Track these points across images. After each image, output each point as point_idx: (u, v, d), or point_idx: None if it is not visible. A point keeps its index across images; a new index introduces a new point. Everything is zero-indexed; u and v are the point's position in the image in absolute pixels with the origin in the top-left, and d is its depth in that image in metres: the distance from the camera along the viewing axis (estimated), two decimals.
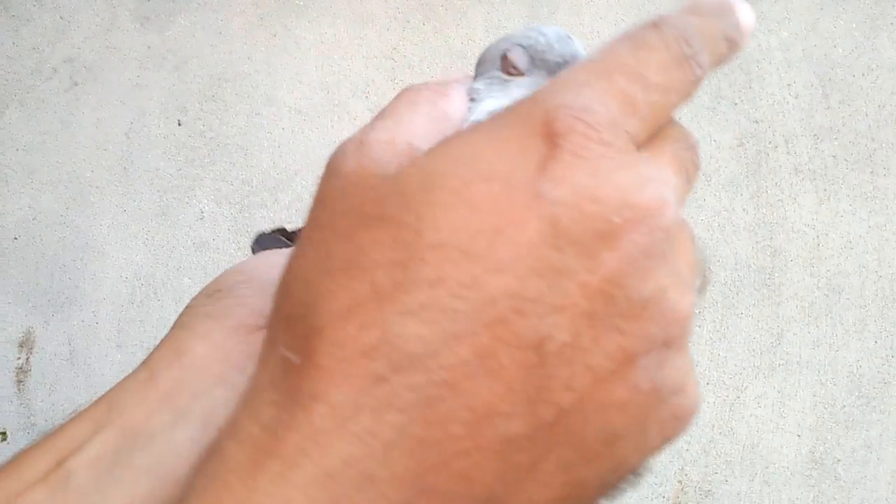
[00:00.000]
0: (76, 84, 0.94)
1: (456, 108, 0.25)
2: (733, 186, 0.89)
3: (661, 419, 0.19)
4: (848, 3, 0.89)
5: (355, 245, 0.19)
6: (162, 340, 0.27)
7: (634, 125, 0.20)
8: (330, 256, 0.20)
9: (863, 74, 0.89)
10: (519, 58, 0.29)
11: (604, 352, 0.18)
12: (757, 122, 0.89)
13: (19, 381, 0.93)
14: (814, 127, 0.89)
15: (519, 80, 0.30)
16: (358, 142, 0.21)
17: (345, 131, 0.92)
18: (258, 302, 0.28)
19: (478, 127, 0.20)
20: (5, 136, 0.93)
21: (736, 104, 0.90)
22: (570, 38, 0.31)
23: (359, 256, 0.19)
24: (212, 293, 0.29)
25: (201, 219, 0.92)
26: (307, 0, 0.93)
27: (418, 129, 0.22)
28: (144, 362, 0.27)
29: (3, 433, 0.93)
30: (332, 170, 0.21)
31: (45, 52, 0.94)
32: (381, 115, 0.23)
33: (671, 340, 0.19)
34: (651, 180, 0.20)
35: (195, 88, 0.93)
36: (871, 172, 0.88)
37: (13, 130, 0.94)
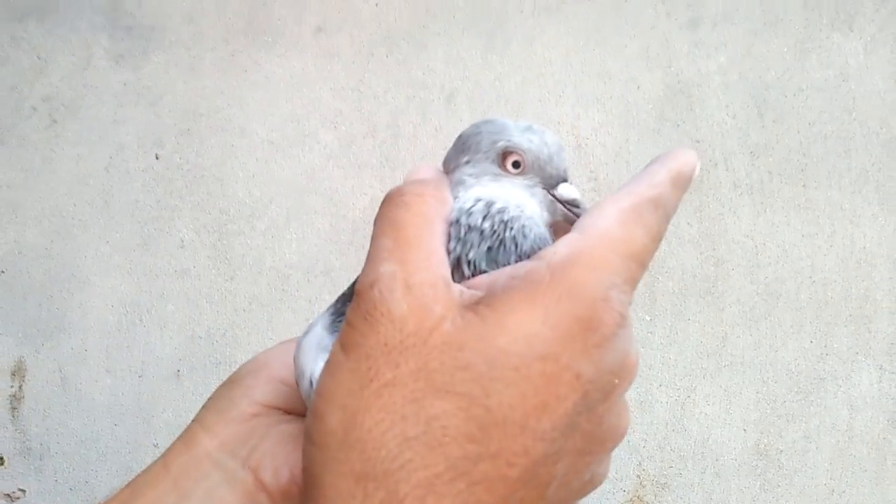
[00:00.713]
0: (55, 122, 0.98)
1: (451, 206, 0.30)
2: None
3: (591, 488, 0.26)
4: (779, 28, 0.96)
5: (429, 415, 0.22)
6: (180, 434, 0.33)
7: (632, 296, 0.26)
8: (405, 421, 0.23)
9: (794, 95, 0.96)
10: (524, 161, 0.33)
11: (581, 474, 0.25)
12: (698, 141, 0.96)
13: (13, 409, 0.97)
14: (750, 145, 0.96)
15: (513, 178, 0.33)
16: (404, 284, 0.24)
17: (315, 160, 0.97)
18: (260, 392, 0.34)
19: (528, 299, 0.24)
20: None
21: (679, 125, 0.96)
22: (562, 148, 0.35)
23: (434, 428, 0.22)
24: (228, 384, 0.35)
25: (182, 247, 0.97)
26: (275, 36, 0.98)
27: (442, 254, 0.26)
28: (164, 454, 0.33)
29: (1, 458, 0.97)
30: (382, 308, 0.24)
31: (24, 92, 0.98)
32: (407, 243, 0.26)
33: (614, 447, 0.27)
34: (634, 340, 0.26)
35: (171, 123, 0.98)
36: (804, 186, 0.96)
37: None
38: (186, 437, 0.35)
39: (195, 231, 0.97)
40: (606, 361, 0.24)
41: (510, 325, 0.24)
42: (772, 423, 0.95)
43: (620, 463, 0.94)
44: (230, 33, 0.98)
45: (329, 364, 0.25)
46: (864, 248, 0.95)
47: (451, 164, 0.34)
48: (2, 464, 0.97)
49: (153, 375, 0.96)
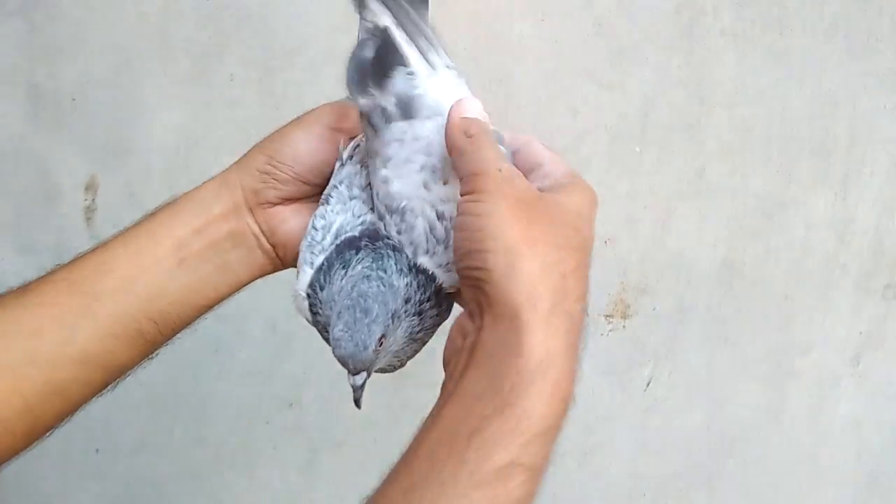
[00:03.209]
0: None
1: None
2: (671, 47, 1.09)
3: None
4: None
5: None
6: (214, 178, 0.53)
7: None
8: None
9: None
10: None
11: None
12: None
13: (88, 219, 1.13)
14: None
15: None
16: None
17: (343, 2, 1.09)
18: (284, 190, 0.51)
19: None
20: (56, 11, 1.09)
21: None
22: None
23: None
24: (253, 163, 0.53)
25: (231, 80, 1.10)
26: None
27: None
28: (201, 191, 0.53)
29: None
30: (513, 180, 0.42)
31: None
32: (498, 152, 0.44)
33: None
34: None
35: None
36: (780, 34, 1.08)
37: (62, 6, 1.09)
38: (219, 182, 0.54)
39: (243, 66, 1.10)
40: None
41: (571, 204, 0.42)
42: (738, 240, 1.11)
43: (607, 270, 1.11)
44: None
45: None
46: (830, 90, 1.09)
47: None
48: None
49: None
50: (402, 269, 0.45)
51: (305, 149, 0.51)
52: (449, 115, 0.44)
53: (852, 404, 1.15)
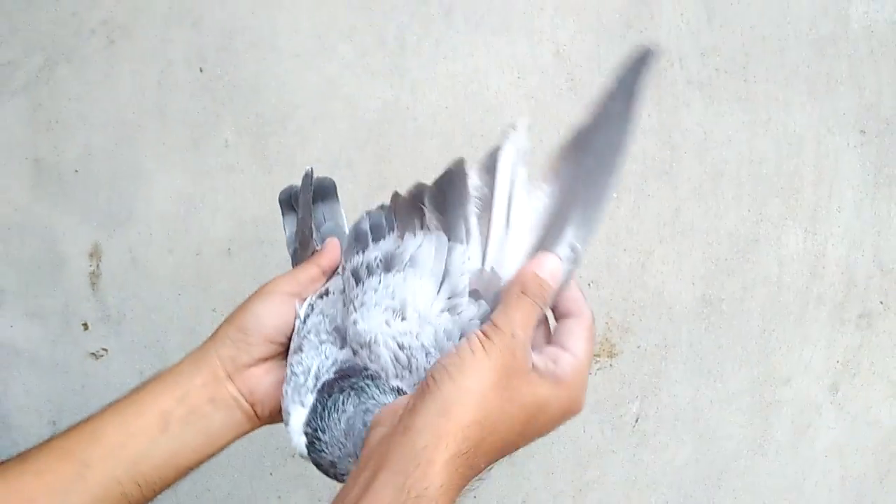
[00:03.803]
0: (112, 42, 1.15)
1: None
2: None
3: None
4: None
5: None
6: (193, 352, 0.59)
7: None
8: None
9: (738, 1, 1.14)
10: None
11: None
12: (658, 44, 1.14)
13: (93, 283, 1.18)
14: (701, 46, 1.14)
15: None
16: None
17: (334, 69, 1.15)
18: (257, 351, 0.58)
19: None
20: (58, 89, 1.15)
21: (641, 32, 1.14)
22: None
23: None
24: (226, 335, 0.59)
25: (226, 147, 1.16)
26: None
27: None
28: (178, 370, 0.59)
29: (85, 324, 1.19)
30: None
31: (84, 16, 1.15)
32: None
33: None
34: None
35: (211, 41, 1.15)
36: (745, 80, 1.14)
37: (64, 84, 1.15)
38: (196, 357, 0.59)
39: (237, 133, 1.16)
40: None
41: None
42: (715, 278, 1.16)
43: (594, 312, 1.16)
44: None
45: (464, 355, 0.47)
46: (795, 131, 1.15)
47: None
48: (86, 328, 1.18)
49: (209, 253, 1.16)
50: (384, 390, 0.52)
51: (268, 314, 0.59)
52: (528, 263, 0.50)
53: (834, 432, 1.19)
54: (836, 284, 1.17)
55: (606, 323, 1.16)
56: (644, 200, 1.15)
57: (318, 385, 0.54)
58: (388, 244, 0.56)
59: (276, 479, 1.21)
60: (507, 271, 0.51)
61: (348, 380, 0.53)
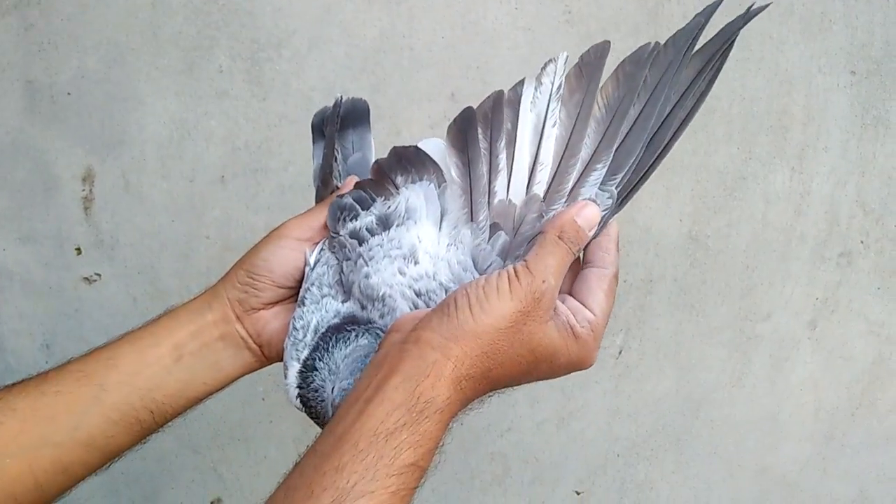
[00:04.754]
0: None
1: None
2: (637, 32, 1.15)
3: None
4: None
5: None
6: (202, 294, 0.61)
7: None
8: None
9: None
10: None
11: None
12: None
13: (86, 208, 1.18)
14: None
15: None
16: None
17: None
18: (267, 296, 0.59)
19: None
20: (50, 9, 1.13)
21: None
22: None
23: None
24: (235, 278, 0.60)
25: (220, 72, 1.15)
26: None
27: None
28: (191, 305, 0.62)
29: (78, 248, 1.19)
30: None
31: None
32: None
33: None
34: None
35: None
36: None
37: (56, 3, 1.14)
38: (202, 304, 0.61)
39: (231, 58, 1.15)
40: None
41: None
42: (702, 214, 1.18)
43: None
44: None
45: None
46: (786, 70, 1.16)
47: None
48: (79, 253, 1.19)
49: (202, 180, 1.17)
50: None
51: (277, 260, 0.60)
52: (568, 209, 0.52)
53: (810, 366, 1.23)
54: (819, 223, 1.19)
55: None
56: None
57: (321, 333, 0.55)
58: (378, 208, 0.57)
59: (268, 404, 1.24)
60: (527, 202, 0.53)
61: (357, 325, 0.54)
